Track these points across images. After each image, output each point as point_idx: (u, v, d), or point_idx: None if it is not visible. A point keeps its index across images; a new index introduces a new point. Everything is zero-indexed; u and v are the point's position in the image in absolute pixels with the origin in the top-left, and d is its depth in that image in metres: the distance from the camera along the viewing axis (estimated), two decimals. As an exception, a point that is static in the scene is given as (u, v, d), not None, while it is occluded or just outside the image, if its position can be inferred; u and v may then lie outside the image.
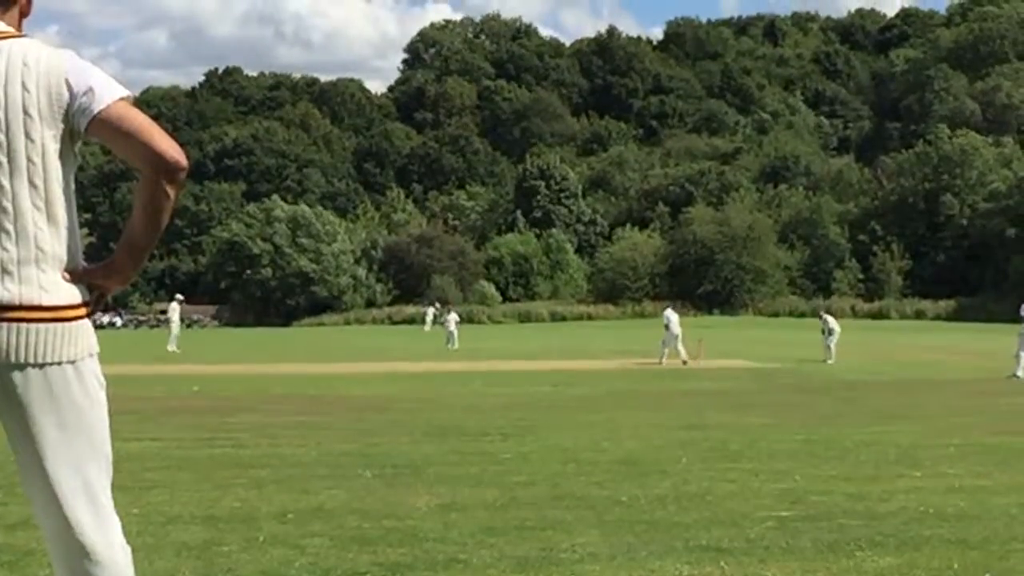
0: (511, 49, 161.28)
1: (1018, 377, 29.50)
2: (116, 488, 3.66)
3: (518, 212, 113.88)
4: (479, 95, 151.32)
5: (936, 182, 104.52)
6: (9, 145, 3.39)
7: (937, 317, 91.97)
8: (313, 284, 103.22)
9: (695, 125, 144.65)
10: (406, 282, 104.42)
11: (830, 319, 40.17)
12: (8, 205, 3.39)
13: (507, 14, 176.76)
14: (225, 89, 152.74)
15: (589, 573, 6.17)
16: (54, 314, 3.42)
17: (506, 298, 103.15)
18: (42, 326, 3.40)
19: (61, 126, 3.43)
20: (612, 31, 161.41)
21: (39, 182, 3.42)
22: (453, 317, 52.67)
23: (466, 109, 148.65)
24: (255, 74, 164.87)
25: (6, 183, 3.39)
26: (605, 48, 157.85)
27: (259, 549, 6.81)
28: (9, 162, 3.39)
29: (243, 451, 12.56)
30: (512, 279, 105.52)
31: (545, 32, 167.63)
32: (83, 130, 3.45)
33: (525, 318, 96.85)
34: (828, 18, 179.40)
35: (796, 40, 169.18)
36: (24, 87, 3.40)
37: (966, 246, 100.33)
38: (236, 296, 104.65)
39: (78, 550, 3.51)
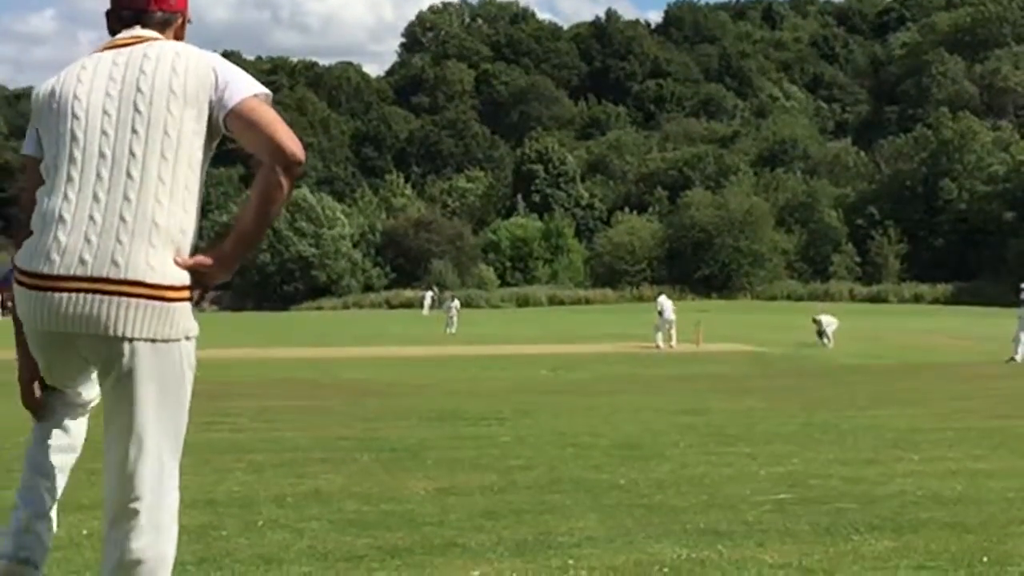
0: (509, 32, 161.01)
1: (1016, 360, 29.54)
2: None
3: (519, 196, 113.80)
4: (477, 79, 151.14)
5: (934, 166, 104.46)
6: (149, 117, 3.59)
7: (935, 301, 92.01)
8: (312, 269, 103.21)
9: (693, 109, 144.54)
10: (404, 266, 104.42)
11: (824, 319, 40.06)
12: (136, 173, 3.57)
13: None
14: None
15: (587, 557, 6.18)
16: (155, 292, 3.56)
17: (504, 282, 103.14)
18: (143, 302, 3.55)
19: (205, 110, 3.65)
20: (610, 14, 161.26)
21: (170, 155, 3.60)
22: (456, 304, 52.82)
23: (464, 93, 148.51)
24: (252, 58, 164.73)
25: (139, 151, 3.58)
26: (603, 32, 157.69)
27: (258, 533, 6.81)
28: (146, 132, 3.58)
29: (241, 435, 12.57)
30: (510, 263, 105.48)
31: (543, 15, 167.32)
32: (222, 122, 3.67)
33: (523, 302, 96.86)
34: (826, 2, 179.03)
35: (794, 24, 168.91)
36: (173, 69, 3.64)
37: (964, 230, 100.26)
38: (235, 280, 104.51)
39: (132, 518, 3.69)
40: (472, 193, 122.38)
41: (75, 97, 3.67)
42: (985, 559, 6.10)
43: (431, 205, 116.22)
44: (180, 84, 3.62)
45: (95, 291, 3.54)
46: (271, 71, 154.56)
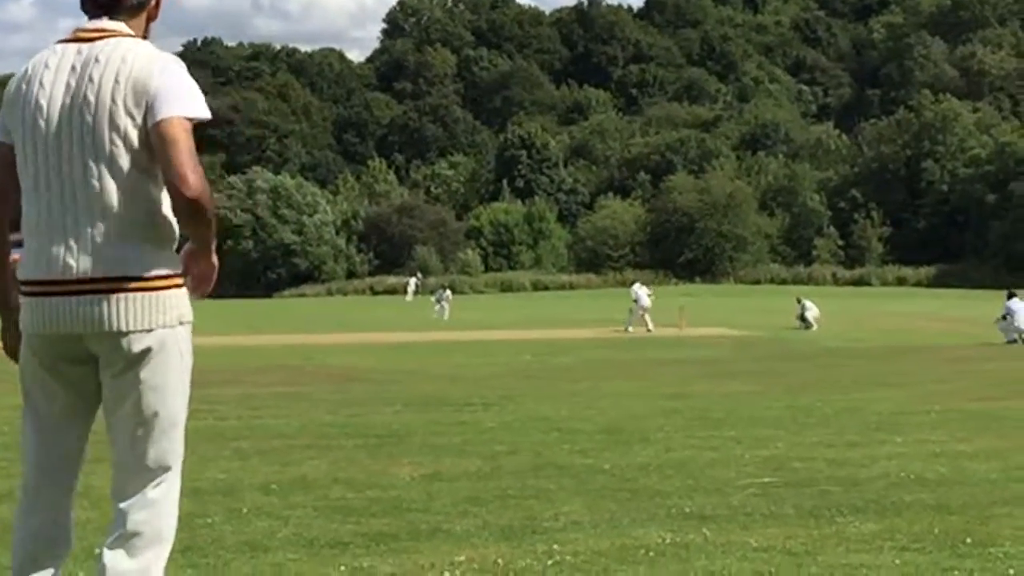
0: (491, 18, 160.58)
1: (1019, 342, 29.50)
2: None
3: (504, 181, 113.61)
4: (459, 64, 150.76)
5: (916, 148, 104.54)
6: (95, 127, 3.71)
7: (918, 284, 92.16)
8: (295, 256, 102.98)
9: (675, 93, 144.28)
10: (387, 253, 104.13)
11: (807, 304, 40.23)
12: (95, 182, 3.71)
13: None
14: (203, 60, 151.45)
15: (572, 541, 6.19)
16: (143, 284, 3.74)
17: (488, 268, 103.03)
18: (133, 295, 3.73)
19: (140, 120, 3.73)
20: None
21: (123, 162, 3.73)
22: (447, 294, 52.97)
23: (446, 78, 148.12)
24: (234, 44, 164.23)
25: (91, 162, 3.72)
26: (585, 16, 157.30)
27: (243, 520, 6.81)
28: (95, 142, 3.71)
29: (225, 423, 12.55)
30: (493, 249, 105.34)
31: (524, 1, 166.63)
32: (148, 132, 3.75)
33: (507, 288, 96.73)
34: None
35: (776, 7, 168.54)
36: (115, 79, 3.72)
37: (946, 212, 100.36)
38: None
39: (134, 495, 3.85)
40: (455, 179, 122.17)
41: (37, 104, 3.79)
42: (968, 540, 6.13)
43: (414, 191, 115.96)
44: (120, 94, 3.72)
45: (89, 291, 3.70)
46: (252, 57, 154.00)
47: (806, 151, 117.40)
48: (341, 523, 6.77)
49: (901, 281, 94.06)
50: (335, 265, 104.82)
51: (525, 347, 29.99)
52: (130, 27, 3.89)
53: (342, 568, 5.62)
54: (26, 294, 3.82)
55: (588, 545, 6.09)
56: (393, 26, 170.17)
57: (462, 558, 5.80)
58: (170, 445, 3.89)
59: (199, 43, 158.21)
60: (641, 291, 38.97)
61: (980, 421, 12.51)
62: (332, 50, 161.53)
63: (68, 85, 3.77)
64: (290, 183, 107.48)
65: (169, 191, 3.72)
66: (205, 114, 3.85)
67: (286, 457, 9.56)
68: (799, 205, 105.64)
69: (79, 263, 3.71)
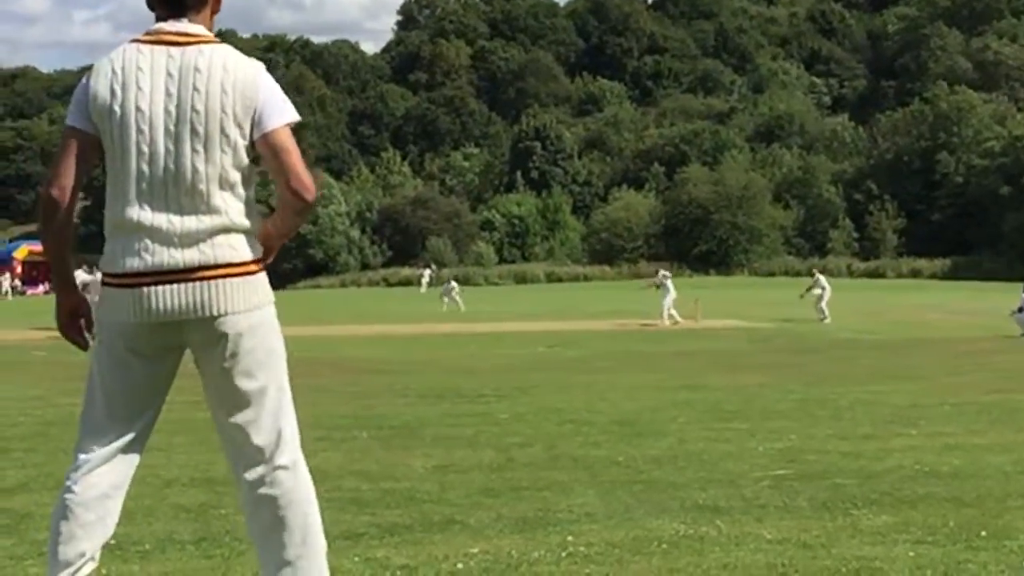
0: (506, 9, 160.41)
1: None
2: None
3: (518, 173, 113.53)
4: (474, 56, 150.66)
5: (932, 140, 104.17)
6: (206, 136, 3.96)
7: (933, 276, 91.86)
8: (310, 247, 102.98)
9: (690, 85, 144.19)
10: (401, 244, 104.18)
11: (822, 278, 40.14)
12: (201, 186, 3.96)
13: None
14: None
15: (586, 533, 6.19)
16: (242, 269, 4.05)
17: (502, 259, 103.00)
18: (234, 280, 4.02)
19: (248, 127, 4.01)
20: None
21: (228, 167, 4.00)
22: (454, 285, 52.73)
23: (461, 70, 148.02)
24: (248, 36, 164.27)
25: (200, 167, 3.97)
26: (600, 8, 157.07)
27: (257, 511, 6.80)
28: (205, 150, 3.97)
29: (240, 414, 12.54)
30: (508, 240, 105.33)
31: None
32: (252, 141, 4.04)
33: (521, 279, 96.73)
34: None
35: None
36: (223, 89, 3.99)
37: (961, 204, 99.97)
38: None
39: (270, 472, 4.17)
40: (470, 170, 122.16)
41: (138, 109, 3.97)
42: (983, 533, 6.11)
43: (428, 182, 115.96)
44: (230, 104, 3.98)
45: (193, 279, 3.97)
46: (267, 48, 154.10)
47: (821, 143, 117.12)
48: (355, 514, 6.78)
49: (916, 273, 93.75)
50: (349, 256, 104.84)
51: (539, 339, 29.98)
52: (203, 25, 4.15)
53: (356, 559, 5.63)
54: (122, 285, 4.00)
55: (602, 537, 6.09)
56: (407, 17, 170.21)
57: (476, 550, 5.80)
58: (285, 415, 4.25)
59: (214, 34, 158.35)
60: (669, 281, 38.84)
61: (995, 414, 12.47)
62: (347, 42, 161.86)
63: (169, 91, 3.97)
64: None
65: (286, 195, 4.06)
66: (297, 116, 4.15)
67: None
68: (814, 197, 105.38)
69: (184, 256, 3.95)
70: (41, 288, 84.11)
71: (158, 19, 4.12)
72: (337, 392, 15.80)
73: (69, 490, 4.04)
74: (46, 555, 4.12)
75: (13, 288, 79.30)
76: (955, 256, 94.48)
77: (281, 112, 4.06)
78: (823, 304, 38.74)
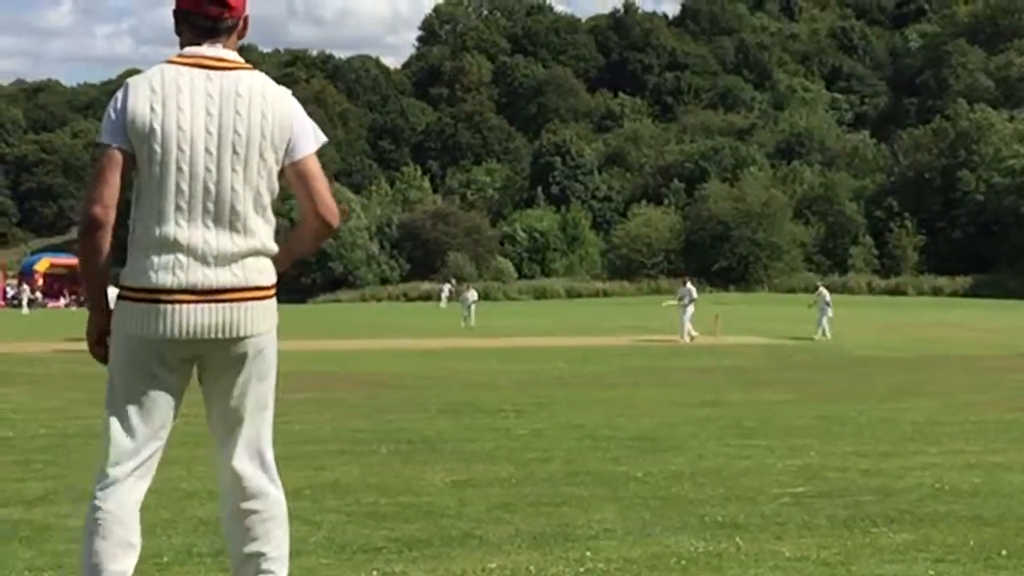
0: (527, 25, 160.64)
1: None
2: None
3: (538, 188, 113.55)
4: (495, 71, 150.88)
5: (952, 158, 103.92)
6: (246, 158, 4.08)
7: (954, 294, 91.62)
8: (330, 260, 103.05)
9: (711, 101, 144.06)
10: (421, 259, 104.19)
11: (826, 293, 39.85)
12: (240, 207, 4.08)
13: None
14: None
15: (604, 549, 6.18)
16: (266, 292, 4.18)
17: (521, 275, 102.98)
18: (259, 303, 4.15)
19: (282, 153, 4.15)
20: (628, 7, 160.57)
21: (263, 190, 4.13)
22: (472, 295, 52.38)
23: (482, 85, 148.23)
24: (269, 51, 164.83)
25: (239, 188, 4.08)
26: (621, 24, 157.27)
27: (275, 525, 6.81)
28: (244, 172, 4.08)
29: (259, 427, 12.56)
30: (527, 255, 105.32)
31: (560, 8, 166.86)
32: (282, 166, 4.18)
33: (541, 295, 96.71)
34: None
35: (812, 15, 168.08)
36: (263, 115, 4.11)
37: (982, 222, 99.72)
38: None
39: (260, 481, 4.26)
40: (490, 185, 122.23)
41: (179, 128, 4.03)
42: (1004, 552, 6.09)
43: (449, 197, 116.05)
44: (269, 129, 4.10)
45: (223, 300, 4.06)
46: (289, 63, 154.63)
47: (842, 160, 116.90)
48: (374, 528, 6.78)
49: (937, 291, 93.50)
50: (368, 271, 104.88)
51: (558, 354, 29.95)
52: (233, 50, 4.26)
53: (374, 573, 5.64)
54: (150, 300, 4.05)
55: (620, 553, 6.09)
56: (429, 32, 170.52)
57: (494, 565, 5.80)
58: (269, 425, 4.31)
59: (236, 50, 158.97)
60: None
61: (1016, 432, 12.42)
62: (368, 56, 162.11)
63: (209, 112, 4.06)
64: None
65: (312, 219, 4.25)
66: (325, 138, 4.34)
67: (319, 462, 9.58)
68: (834, 214, 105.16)
69: (218, 276, 4.05)
70: (62, 301, 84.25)
71: (185, 43, 4.17)
72: (356, 406, 15.82)
73: (102, 508, 4.05)
74: (72, 567, 4.14)
75: (32, 300, 78.38)
76: (976, 274, 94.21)
77: (311, 139, 4.22)
78: (824, 321, 38.37)
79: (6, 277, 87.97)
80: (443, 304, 72.66)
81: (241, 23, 4.30)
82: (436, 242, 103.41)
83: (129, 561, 4.08)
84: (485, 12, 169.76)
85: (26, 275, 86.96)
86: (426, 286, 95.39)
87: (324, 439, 11.47)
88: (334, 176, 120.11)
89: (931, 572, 5.65)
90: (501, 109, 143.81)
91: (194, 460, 9.22)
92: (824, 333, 37.90)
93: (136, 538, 4.10)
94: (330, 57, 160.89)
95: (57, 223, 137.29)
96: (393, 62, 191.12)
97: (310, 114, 4.29)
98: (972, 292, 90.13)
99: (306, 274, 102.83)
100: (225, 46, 4.20)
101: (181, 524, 6.87)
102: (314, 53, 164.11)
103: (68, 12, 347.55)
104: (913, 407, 15.69)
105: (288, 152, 4.15)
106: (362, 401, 16.82)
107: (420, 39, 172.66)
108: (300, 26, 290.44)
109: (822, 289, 40.62)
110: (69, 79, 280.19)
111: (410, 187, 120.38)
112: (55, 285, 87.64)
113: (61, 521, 6.87)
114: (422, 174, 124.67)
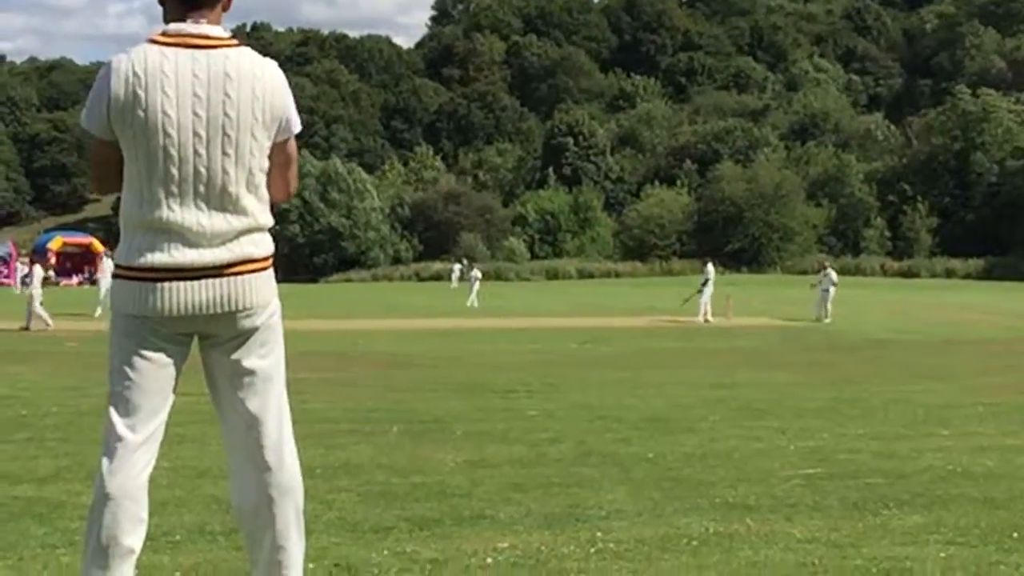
0: (540, 5, 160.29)
1: None
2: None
3: (550, 169, 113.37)
4: (507, 51, 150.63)
5: (966, 140, 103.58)
6: (237, 140, 4.04)
7: (967, 276, 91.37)
8: (342, 240, 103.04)
9: (724, 82, 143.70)
10: (433, 239, 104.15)
11: (833, 273, 39.50)
12: (232, 189, 4.04)
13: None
14: (252, 45, 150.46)
15: (616, 530, 6.19)
16: (262, 264, 4.16)
17: (534, 255, 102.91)
18: (255, 275, 4.12)
19: (273, 132, 4.13)
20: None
21: (255, 170, 4.10)
22: (476, 274, 52.33)
23: (495, 65, 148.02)
24: (283, 29, 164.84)
25: (231, 170, 4.04)
26: (634, 4, 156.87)
27: (287, 504, 6.82)
28: (235, 154, 4.03)
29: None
30: (539, 236, 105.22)
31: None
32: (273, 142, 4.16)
33: (552, 275, 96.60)
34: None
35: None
36: (254, 94, 4.06)
37: (996, 205, 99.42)
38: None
39: (277, 455, 4.25)
40: (502, 166, 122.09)
41: (164, 113, 3.96)
42: (1015, 535, 6.08)
43: (461, 178, 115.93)
44: (260, 110, 4.06)
45: (220, 275, 4.04)
46: (302, 43, 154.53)
47: (855, 141, 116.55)
48: (385, 508, 6.79)
49: (950, 273, 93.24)
50: (380, 251, 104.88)
51: (570, 335, 29.95)
52: (218, 24, 4.16)
53: (385, 552, 5.64)
54: (144, 279, 4.02)
55: (631, 533, 6.09)
56: (441, 12, 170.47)
57: (505, 544, 5.81)
58: (277, 399, 4.26)
59: (248, 28, 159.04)
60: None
61: (1028, 415, 12.39)
62: (381, 36, 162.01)
63: (197, 94, 3.98)
64: (340, 167, 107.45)
65: (277, 195, 4.25)
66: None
67: (330, 441, 9.59)
68: (847, 195, 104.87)
69: (214, 254, 4.02)
70: (75, 279, 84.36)
71: (169, 18, 4.08)
72: (368, 386, 15.84)
73: (111, 483, 4.02)
74: (81, 545, 4.13)
75: (46, 279, 77.81)
76: (989, 256, 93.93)
77: (297, 120, 4.23)
78: (828, 303, 38.14)
79: (19, 255, 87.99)
80: (454, 284, 72.63)
81: None
82: (448, 222, 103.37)
83: (138, 537, 4.04)
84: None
85: (39, 253, 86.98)
86: (438, 266, 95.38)
87: (336, 419, 11.48)
88: (346, 155, 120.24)
89: (942, 554, 5.64)
90: (513, 89, 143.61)
91: (207, 438, 9.23)
92: (826, 314, 37.69)
93: (144, 513, 4.07)
94: (343, 36, 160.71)
95: (70, 201, 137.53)
96: (405, 42, 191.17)
97: (323, 94, 4.26)
98: (985, 274, 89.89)
99: (318, 254, 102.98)
100: (209, 21, 4.09)
101: (193, 502, 6.89)
102: (326, 32, 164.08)
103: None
104: (926, 389, 15.66)
105: (281, 130, 4.14)
106: (374, 381, 16.83)
107: (433, 19, 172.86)
108: (313, 5, 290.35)
109: (829, 269, 40.23)
110: (82, 57, 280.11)
111: (423, 167, 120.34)
112: (68, 264, 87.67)
113: (74, 498, 6.89)
114: (434, 154, 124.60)
